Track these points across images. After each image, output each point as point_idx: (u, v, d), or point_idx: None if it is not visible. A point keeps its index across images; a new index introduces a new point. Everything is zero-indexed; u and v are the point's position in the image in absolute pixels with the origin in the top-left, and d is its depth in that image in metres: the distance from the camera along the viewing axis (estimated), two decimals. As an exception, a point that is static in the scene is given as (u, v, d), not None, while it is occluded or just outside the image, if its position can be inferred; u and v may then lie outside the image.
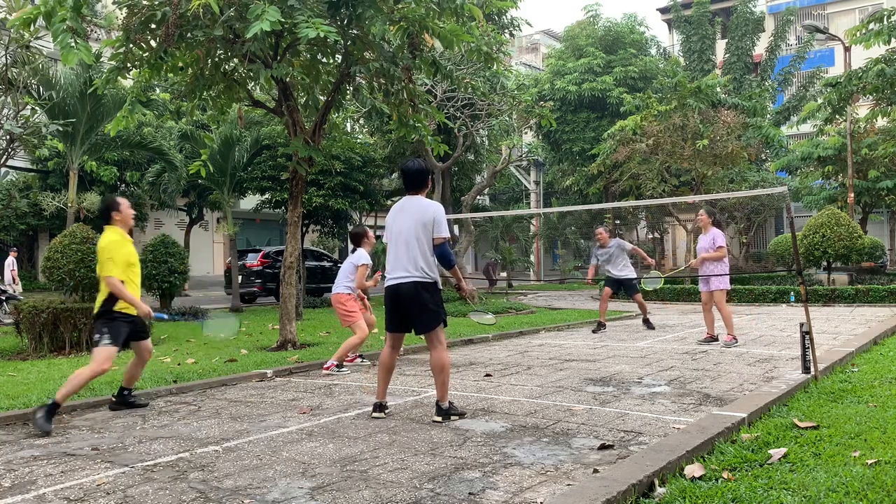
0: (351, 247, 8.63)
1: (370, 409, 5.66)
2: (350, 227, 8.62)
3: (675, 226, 36.42)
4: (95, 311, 5.80)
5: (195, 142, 16.94)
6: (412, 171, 5.52)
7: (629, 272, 11.46)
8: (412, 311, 5.32)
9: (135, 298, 5.77)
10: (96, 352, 5.60)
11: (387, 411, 5.57)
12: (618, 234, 34.58)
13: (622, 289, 11.80)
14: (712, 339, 9.62)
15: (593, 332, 11.55)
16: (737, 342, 9.21)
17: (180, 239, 22.84)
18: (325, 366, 7.96)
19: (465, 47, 9.13)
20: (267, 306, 19.63)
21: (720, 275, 9.26)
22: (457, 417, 5.36)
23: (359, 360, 8.53)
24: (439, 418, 5.31)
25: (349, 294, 8.13)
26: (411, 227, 5.34)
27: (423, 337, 5.44)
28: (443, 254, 5.37)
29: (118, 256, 5.74)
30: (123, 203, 5.98)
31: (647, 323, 11.89)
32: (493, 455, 4.35)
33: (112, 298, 5.72)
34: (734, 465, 3.96)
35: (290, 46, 9.11)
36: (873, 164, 22.47)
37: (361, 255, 8.15)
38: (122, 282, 5.70)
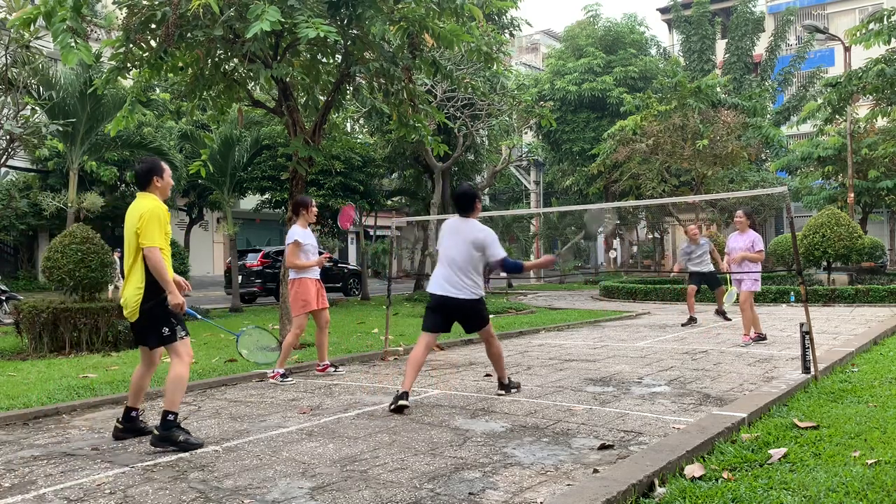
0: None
1: (370, 408, 5.68)
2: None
3: (675, 226, 36.41)
4: (138, 306, 4.70)
5: (195, 142, 16.96)
6: (459, 194, 6.14)
7: (712, 266, 11.98)
8: (464, 319, 6.02)
9: (172, 283, 4.77)
10: (178, 346, 4.78)
11: (407, 403, 5.63)
12: (618, 233, 34.60)
13: (706, 283, 12.29)
14: (760, 337, 9.48)
15: (683, 325, 12.06)
16: (750, 343, 9.22)
17: (180, 239, 22.86)
18: (269, 375, 7.26)
19: (465, 47, 9.13)
20: (267, 306, 19.63)
21: (749, 273, 9.18)
22: (515, 390, 6.27)
23: (331, 369, 7.78)
24: (502, 392, 6.24)
25: (298, 279, 7.39)
26: (464, 251, 5.88)
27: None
28: (508, 268, 6.03)
29: (165, 225, 4.80)
30: (167, 169, 5.02)
31: (721, 314, 12.14)
32: (493, 455, 4.35)
33: (155, 285, 4.72)
34: (734, 465, 3.96)
35: (290, 46, 9.11)
36: (873, 164, 22.47)
37: (293, 232, 7.39)
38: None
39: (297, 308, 7.43)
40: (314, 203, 7.71)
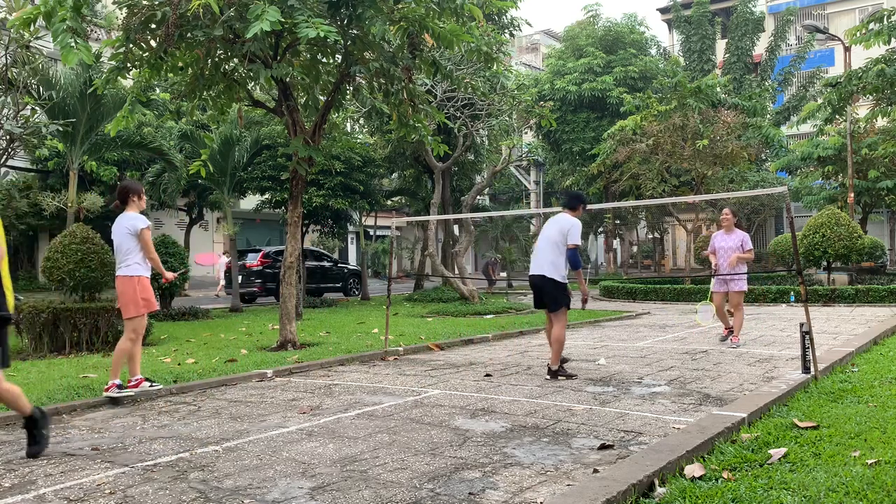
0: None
1: (370, 408, 5.69)
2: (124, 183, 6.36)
3: (674, 226, 36.42)
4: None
5: (195, 142, 16.93)
6: (569, 194, 7.45)
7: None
8: (545, 295, 7.03)
9: None
10: None
11: (556, 371, 7.00)
12: (618, 233, 34.58)
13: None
14: (731, 332, 9.23)
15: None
16: (740, 345, 9.18)
17: (180, 239, 22.81)
18: (105, 387, 6.25)
19: (465, 47, 9.13)
20: (267, 306, 19.63)
21: (743, 274, 9.00)
22: (564, 378, 6.87)
23: (146, 384, 6.48)
24: (549, 377, 6.92)
25: (142, 276, 6.31)
26: (552, 235, 7.00)
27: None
28: (571, 257, 6.93)
29: None
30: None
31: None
32: (493, 455, 4.35)
33: None
34: (734, 465, 3.96)
35: (290, 46, 9.11)
36: (873, 164, 22.47)
37: (138, 217, 6.33)
38: None
39: (136, 308, 6.27)
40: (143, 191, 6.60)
